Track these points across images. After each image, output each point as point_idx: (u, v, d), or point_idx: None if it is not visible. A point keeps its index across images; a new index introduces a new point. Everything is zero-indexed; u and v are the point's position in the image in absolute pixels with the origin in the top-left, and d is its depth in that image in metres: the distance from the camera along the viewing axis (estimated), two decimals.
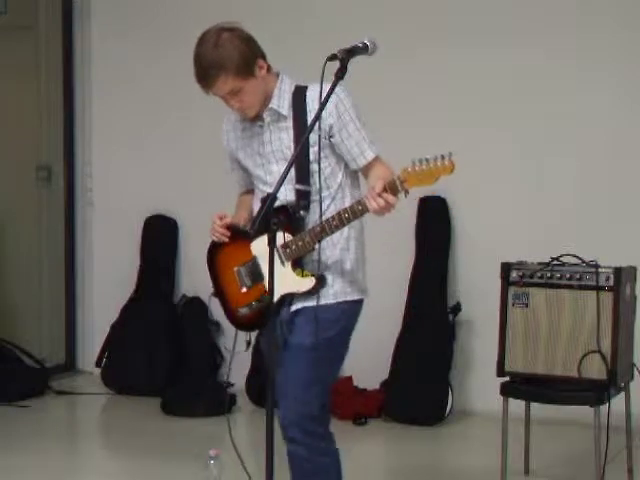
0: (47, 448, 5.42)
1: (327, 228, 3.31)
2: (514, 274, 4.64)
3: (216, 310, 6.53)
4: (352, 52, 3.21)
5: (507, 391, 4.64)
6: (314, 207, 3.39)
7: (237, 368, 6.45)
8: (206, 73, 3.34)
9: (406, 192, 3.20)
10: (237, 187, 3.73)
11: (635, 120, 5.73)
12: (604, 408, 4.47)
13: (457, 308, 6.02)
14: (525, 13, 5.89)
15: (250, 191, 3.67)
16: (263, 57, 3.41)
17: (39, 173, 7.18)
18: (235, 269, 3.51)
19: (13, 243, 7.23)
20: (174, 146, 6.79)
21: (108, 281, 6.97)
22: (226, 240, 3.53)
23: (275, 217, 3.15)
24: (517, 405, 4.73)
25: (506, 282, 4.65)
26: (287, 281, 3.36)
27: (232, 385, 6.30)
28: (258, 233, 3.29)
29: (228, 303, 3.57)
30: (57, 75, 7.09)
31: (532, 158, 5.87)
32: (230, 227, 3.53)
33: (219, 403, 6.07)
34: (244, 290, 3.49)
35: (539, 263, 4.63)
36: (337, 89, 3.33)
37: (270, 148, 3.44)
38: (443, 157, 3.16)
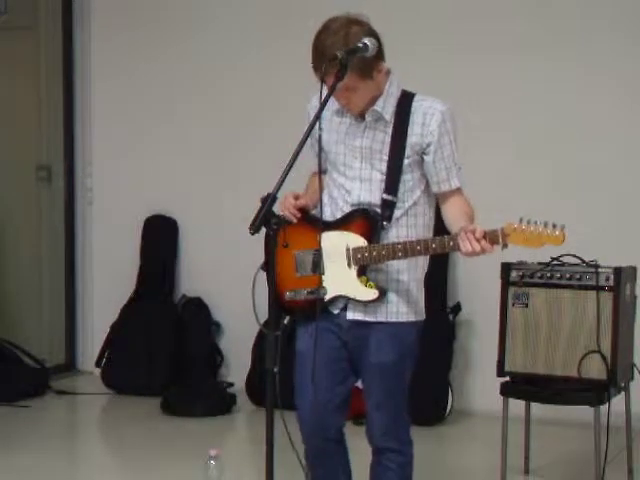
0: (47, 448, 5.42)
1: (409, 250, 3.28)
2: (514, 274, 4.64)
3: (216, 310, 6.60)
4: (352, 52, 3.20)
5: (507, 391, 4.64)
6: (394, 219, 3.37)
7: (237, 368, 6.50)
8: (326, 63, 3.21)
9: (504, 246, 3.20)
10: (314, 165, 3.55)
11: (635, 121, 5.73)
12: (604, 408, 4.48)
13: (457, 308, 6.03)
14: (528, 19, 5.90)
15: (324, 171, 3.55)
16: (384, 59, 3.33)
17: (39, 173, 7.18)
18: (295, 252, 3.42)
19: (13, 243, 7.23)
20: (174, 146, 6.79)
21: (108, 281, 6.97)
22: (294, 221, 3.41)
23: (275, 217, 3.13)
24: (517, 405, 4.74)
25: (506, 282, 4.65)
26: (347, 284, 3.33)
27: (232, 385, 6.31)
28: (331, 228, 3.31)
29: (277, 282, 3.42)
30: (57, 75, 7.09)
31: (532, 158, 5.88)
32: (302, 210, 3.42)
33: (219, 403, 6.08)
34: (298, 275, 3.40)
35: (539, 263, 4.63)
36: (443, 108, 3.36)
37: (360, 143, 3.36)
38: (555, 226, 3.16)
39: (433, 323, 5.93)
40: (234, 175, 6.55)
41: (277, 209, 3.25)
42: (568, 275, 4.57)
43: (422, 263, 3.49)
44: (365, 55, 3.23)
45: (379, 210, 3.35)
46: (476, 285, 5.96)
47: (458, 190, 3.42)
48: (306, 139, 3.18)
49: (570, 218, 5.72)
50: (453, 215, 3.39)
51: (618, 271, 4.51)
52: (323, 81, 3.17)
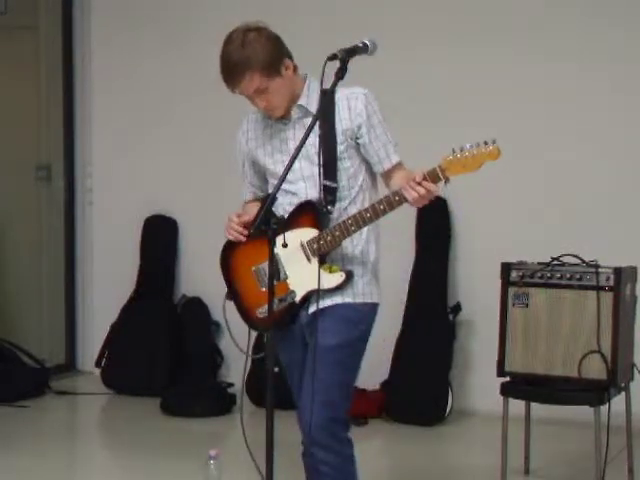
0: (47, 448, 5.42)
1: (360, 220, 3.29)
2: (514, 274, 4.64)
3: (216, 310, 6.60)
4: (352, 52, 3.21)
5: (507, 391, 4.64)
6: (336, 207, 3.38)
7: (237, 368, 6.49)
8: (232, 72, 3.33)
9: (446, 180, 3.21)
10: (246, 193, 3.66)
11: (635, 120, 5.73)
12: (604, 408, 4.47)
13: (457, 308, 6.03)
14: (526, 13, 5.90)
15: (258, 199, 3.60)
16: (290, 57, 3.39)
17: (39, 173, 7.18)
18: (253, 268, 3.44)
19: (13, 243, 7.23)
20: (174, 146, 6.79)
21: (108, 281, 6.97)
22: (243, 239, 3.44)
23: (275, 217, 3.13)
24: (517, 405, 4.73)
25: (506, 282, 4.64)
26: (313, 277, 3.31)
27: (232, 385, 6.31)
28: (279, 232, 3.25)
29: (245, 304, 3.49)
30: (57, 75, 7.09)
31: (532, 158, 5.87)
32: (247, 226, 3.44)
33: (219, 403, 6.08)
34: (264, 289, 3.36)
35: (539, 263, 4.63)
36: (365, 91, 3.38)
37: (293, 145, 3.38)
38: (486, 142, 3.18)
39: (433, 323, 6.02)
40: (234, 175, 6.53)
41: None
42: (568, 275, 4.56)
43: (373, 249, 3.47)
44: (365, 54, 3.24)
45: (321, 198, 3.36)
46: (476, 285, 5.96)
47: (399, 165, 3.45)
48: (306, 139, 3.19)
49: (570, 218, 5.80)
50: (396, 184, 3.39)
51: (618, 271, 4.50)
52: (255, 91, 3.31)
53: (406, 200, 3.23)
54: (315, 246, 3.34)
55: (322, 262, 3.35)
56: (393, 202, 3.26)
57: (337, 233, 3.32)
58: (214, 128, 6.64)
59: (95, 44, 7.00)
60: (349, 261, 3.41)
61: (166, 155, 6.81)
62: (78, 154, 7.13)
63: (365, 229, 3.37)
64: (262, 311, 3.35)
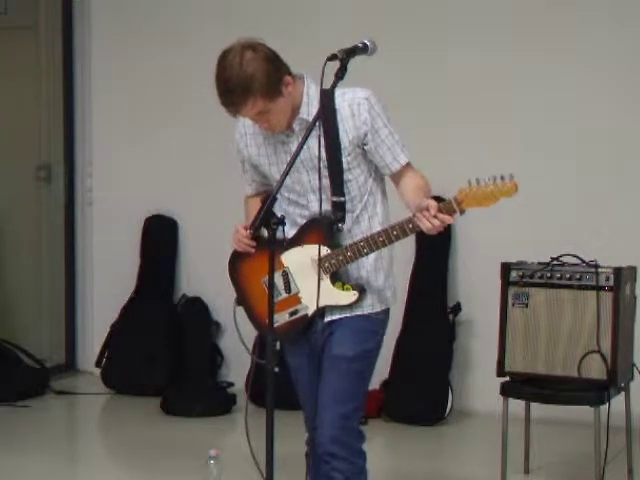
0: (47, 448, 5.42)
1: (373, 245, 3.29)
2: (514, 274, 4.64)
3: (216, 310, 6.60)
4: (352, 52, 3.19)
5: (507, 391, 4.64)
6: (348, 217, 3.36)
7: (237, 368, 6.49)
8: (233, 97, 3.25)
9: (462, 212, 3.20)
10: (248, 189, 3.63)
11: (635, 119, 5.73)
12: (604, 408, 4.48)
13: (457, 308, 6.03)
14: (525, 12, 5.90)
15: (261, 193, 3.58)
16: (288, 72, 3.32)
17: (39, 173, 7.18)
18: (263, 280, 3.40)
19: (13, 243, 7.22)
20: (174, 146, 6.79)
21: (108, 281, 6.97)
22: (252, 251, 3.39)
23: (275, 217, 3.13)
24: (517, 405, 4.74)
25: (506, 282, 4.65)
26: (326, 294, 3.31)
27: (232, 385, 6.32)
28: (291, 245, 3.28)
29: (256, 313, 3.48)
30: (57, 75, 7.09)
31: (532, 158, 5.87)
32: (255, 237, 3.38)
33: (219, 403, 6.08)
34: (275, 301, 3.32)
35: (539, 263, 4.63)
36: (367, 94, 3.34)
37: (299, 157, 3.30)
38: (503, 178, 3.18)
39: (433, 323, 6.01)
40: (234, 175, 6.53)
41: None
42: (568, 275, 4.57)
43: (386, 254, 3.48)
44: (365, 55, 3.23)
45: (331, 214, 3.34)
46: (476, 285, 5.96)
47: (408, 165, 3.42)
48: (306, 139, 3.18)
49: (570, 218, 5.80)
50: (407, 192, 3.38)
51: (618, 271, 4.51)
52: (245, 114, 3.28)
53: (420, 229, 3.22)
54: (326, 264, 3.33)
55: (335, 279, 3.35)
56: (407, 230, 3.25)
57: (349, 254, 3.31)
58: (214, 128, 6.60)
59: (95, 44, 7.00)
60: (360, 274, 3.40)
61: (166, 155, 6.81)
62: (78, 154, 7.13)
63: None
64: (274, 321, 3.33)
